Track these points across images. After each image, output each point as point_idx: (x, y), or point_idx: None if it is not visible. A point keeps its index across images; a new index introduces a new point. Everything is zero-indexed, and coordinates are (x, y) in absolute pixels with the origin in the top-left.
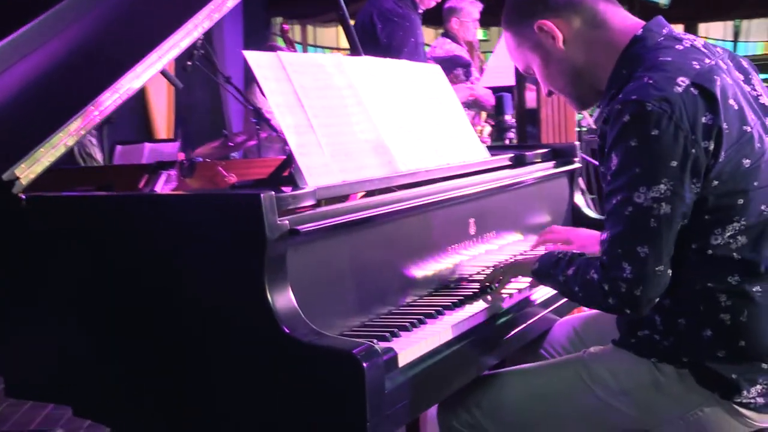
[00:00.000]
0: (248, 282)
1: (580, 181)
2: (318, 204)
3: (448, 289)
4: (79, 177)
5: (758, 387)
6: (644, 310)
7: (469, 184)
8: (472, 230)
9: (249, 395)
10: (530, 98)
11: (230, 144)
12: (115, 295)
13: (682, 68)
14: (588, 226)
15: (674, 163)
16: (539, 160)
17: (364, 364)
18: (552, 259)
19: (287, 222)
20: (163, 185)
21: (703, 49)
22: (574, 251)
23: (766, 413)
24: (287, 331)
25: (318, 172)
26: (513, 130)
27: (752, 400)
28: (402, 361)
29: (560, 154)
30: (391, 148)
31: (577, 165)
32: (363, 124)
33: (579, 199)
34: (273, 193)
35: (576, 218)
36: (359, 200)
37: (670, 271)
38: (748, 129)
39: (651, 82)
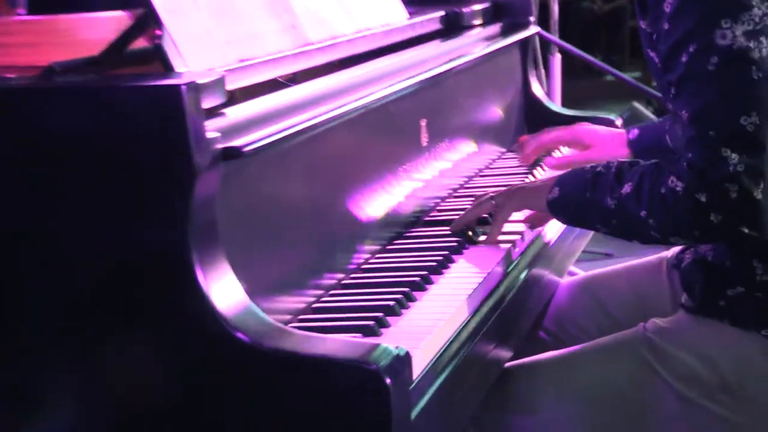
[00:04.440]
0: (157, 256)
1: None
2: (228, 102)
3: (411, 237)
4: None
5: None
6: None
7: (427, 61)
8: (425, 139)
9: None
10: None
11: None
12: None
13: None
14: (557, 125)
15: None
16: (479, 21)
17: (387, 380)
18: (585, 177)
19: (219, 135)
20: None
21: None
22: (612, 160)
23: None
24: (244, 338)
25: (197, 43)
26: None
27: None
28: (417, 366)
29: (507, 12)
30: (292, 1)
31: (532, 31)
32: None
33: (537, 88)
34: (196, 81)
35: (535, 116)
36: (296, 93)
37: None
38: None
39: None
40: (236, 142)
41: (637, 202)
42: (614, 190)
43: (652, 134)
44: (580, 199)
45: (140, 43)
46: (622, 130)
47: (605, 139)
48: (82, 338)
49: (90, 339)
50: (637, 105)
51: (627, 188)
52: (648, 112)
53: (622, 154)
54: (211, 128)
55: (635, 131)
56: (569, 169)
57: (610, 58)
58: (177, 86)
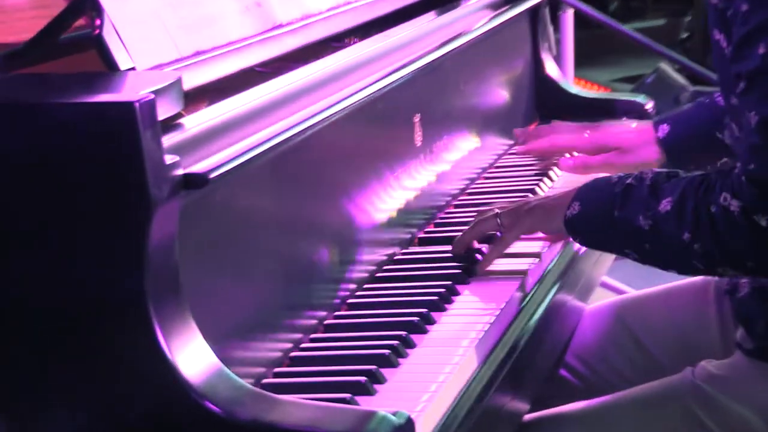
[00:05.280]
0: (108, 310)
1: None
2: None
3: (404, 261)
4: None
5: None
6: None
7: (422, 40)
8: (419, 137)
9: None
10: None
11: None
12: None
13: None
14: (575, 111)
15: None
16: None
17: None
18: (612, 191)
19: (178, 159)
20: None
21: None
22: (646, 170)
23: None
24: (214, 408)
25: (144, 31)
26: None
27: None
28: None
29: None
30: None
31: None
32: None
33: (552, 67)
34: (152, 95)
35: (548, 101)
36: (266, 91)
37: None
38: None
39: None
40: (199, 166)
41: (679, 222)
42: (649, 206)
43: (686, 129)
44: (606, 218)
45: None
46: (649, 124)
47: (634, 141)
48: (24, 402)
49: (32, 401)
50: (664, 66)
51: (665, 205)
52: (679, 76)
53: (652, 156)
54: (168, 147)
55: (665, 127)
56: (590, 180)
57: (629, 3)
58: (128, 104)
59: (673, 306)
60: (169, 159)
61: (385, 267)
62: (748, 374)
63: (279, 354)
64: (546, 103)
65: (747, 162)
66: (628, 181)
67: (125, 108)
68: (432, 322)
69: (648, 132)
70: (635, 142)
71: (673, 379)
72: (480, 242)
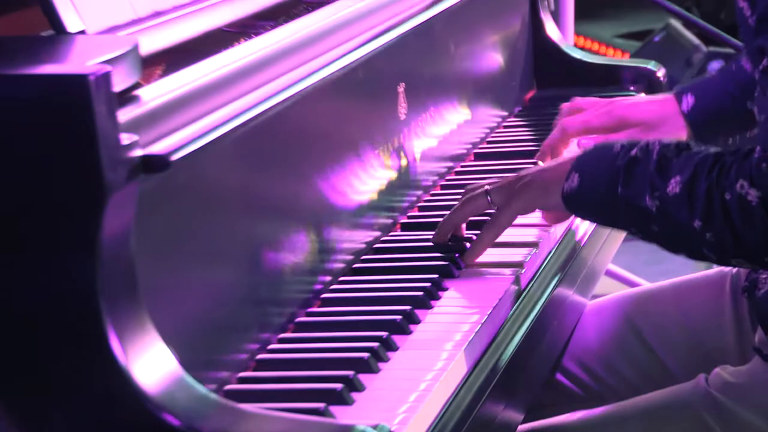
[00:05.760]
0: (55, 310)
1: None
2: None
3: (384, 250)
4: None
5: None
6: None
7: None
8: (403, 110)
9: None
10: None
11: None
12: None
13: None
14: (578, 79)
15: None
16: None
17: None
18: (614, 164)
19: (136, 138)
20: None
21: None
22: (653, 139)
23: None
24: (173, 421)
25: None
26: None
27: None
28: None
29: None
30: None
31: None
32: None
33: (553, 29)
34: (108, 67)
35: (549, 66)
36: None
37: None
38: None
39: None
40: (160, 146)
41: (690, 207)
42: (656, 186)
43: (713, 100)
44: (608, 195)
45: None
46: (670, 95)
47: (658, 114)
48: None
49: None
50: (675, 23)
51: (674, 186)
52: (690, 34)
53: (680, 131)
54: (125, 124)
55: (689, 99)
56: (591, 145)
57: None
58: (81, 78)
59: (685, 304)
60: (125, 138)
61: (363, 257)
62: (766, 382)
63: (244, 356)
64: (545, 69)
65: (766, 148)
66: (633, 152)
67: (78, 82)
68: (416, 321)
69: (671, 104)
70: (659, 115)
71: (685, 387)
72: (469, 228)
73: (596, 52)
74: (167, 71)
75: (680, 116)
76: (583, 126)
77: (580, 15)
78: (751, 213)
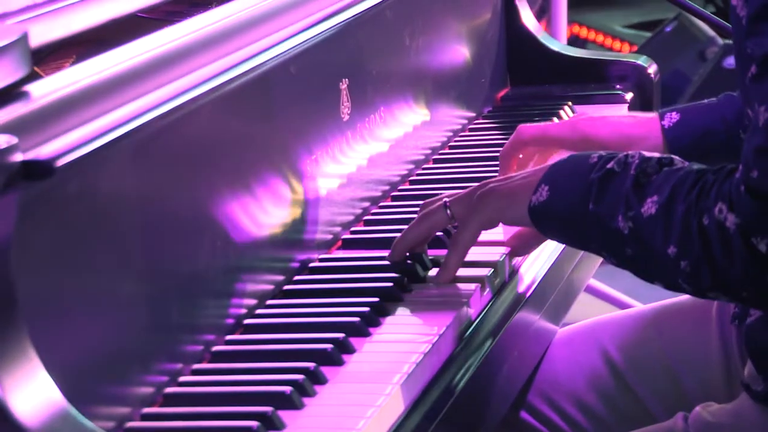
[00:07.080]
0: None
1: None
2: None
3: (321, 270)
4: None
5: None
6: None
7: None
8: (346, 110)
9: None
10: None
11: None
12: None
13: None
14: (558, 74)
15: None
16: None
17: None
18: (587, 177)
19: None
20: None
21: None
22: (635, 152)
23: None
24: None
25: None
26: None
27: None
28: None
29: None
30: None
31: None
32: None
33: (529, 17)
34: None
35: (524, 61)
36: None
37: None
38: None
39: None
40: (45, 150)
41: (665, 232)
42: (630, 205)
43: (701, 120)
44: (578, 211)
45: None
46: (654, 115)
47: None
48: None
49: None
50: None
51: (650, 206)
52: (704, 26)
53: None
54: (5, 125)
55: (673, 116)
56: (564, 156)
57: None
58: None
59: (667, 333)
60: (4, 141)
61: (296, 278)
62: (756, 423)
63: (150, 390)
64: (520, 63)
65: (749, 167)
66: (609, 165)
67: None
68: (351, 350)
69: (651, 123)
70: (634, 134)
71: (660, 428)
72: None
73: (601, 44)
74: (72, 64)
75: (660, 137)
76: (539, 133)
77: (589, 2)
78: (729, 242)
